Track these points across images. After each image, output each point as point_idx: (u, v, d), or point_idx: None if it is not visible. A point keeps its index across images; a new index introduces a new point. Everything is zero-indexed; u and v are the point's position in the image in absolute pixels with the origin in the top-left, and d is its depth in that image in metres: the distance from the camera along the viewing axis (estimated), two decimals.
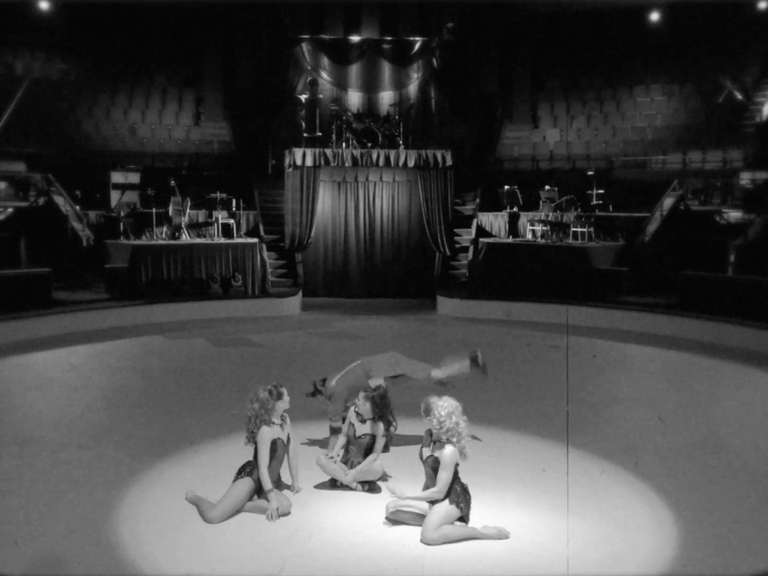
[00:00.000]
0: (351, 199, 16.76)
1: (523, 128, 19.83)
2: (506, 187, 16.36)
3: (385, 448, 6.32)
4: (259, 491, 5.55)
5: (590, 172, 16.97)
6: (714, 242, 14.27)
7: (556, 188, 16.31)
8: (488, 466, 6.38)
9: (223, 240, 15.21)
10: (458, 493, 5.26)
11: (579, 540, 5.19)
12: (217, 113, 19.32)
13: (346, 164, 15.92)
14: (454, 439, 5.24)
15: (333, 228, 16.80)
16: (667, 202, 15.41)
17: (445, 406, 5.29)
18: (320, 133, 16.79)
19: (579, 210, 15.88)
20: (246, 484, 5.52)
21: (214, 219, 15.54)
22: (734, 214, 15.48)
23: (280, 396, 5.66)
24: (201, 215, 16.00)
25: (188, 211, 15.45)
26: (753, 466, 6.73)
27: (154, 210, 15.13)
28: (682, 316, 12.76)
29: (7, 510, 5.61)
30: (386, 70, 19.70)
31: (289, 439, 5.70)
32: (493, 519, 5.45)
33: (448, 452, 5.22)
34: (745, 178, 16.25)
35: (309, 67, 19.45)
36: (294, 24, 18.88)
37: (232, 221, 15.59)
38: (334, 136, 16.34)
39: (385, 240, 16.93)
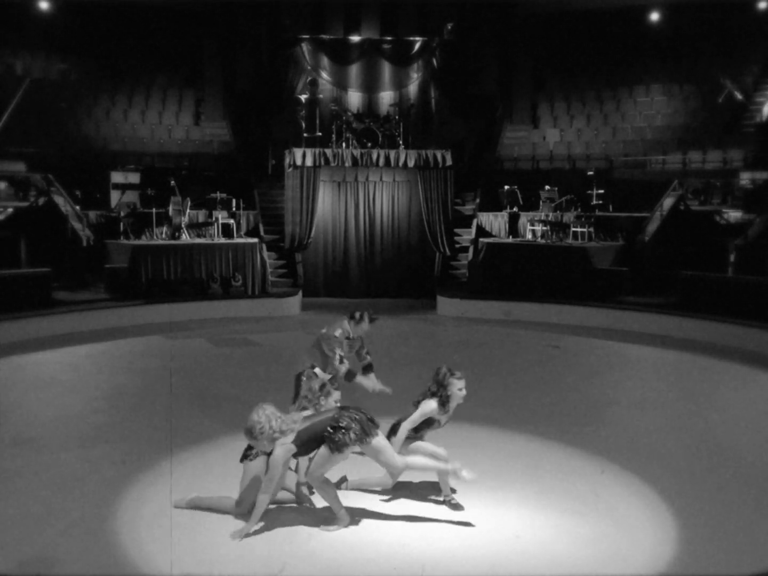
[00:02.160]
0: (351, 199, 16.76)
1: (523, 128, 19.84)
2: (506, 187, 16.36)
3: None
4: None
5: (590, 172, 16.98)
6: (714, 242, 14.27)
7: (556, 188, 16.30)
8: (488, 465, 6.38)
9: (223, 240, 15.21)
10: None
11: (579, 540, 5.20)
12: (217, 113, 19.32)
13: (346, 164, 15.92)
14: (283, 435, 5.08)
15: (333, 228, 16.80)
16: (667, 202, 15.41)
17: (258, 413, 5.08)
18: (320, 133, 16.80)
19: (579, 210, 15.88)
20: (260, 462, 5.40)
21: (214, 219, 15.55)
22: (734, 214, 15.49)
23: (329, 393, 5.65)
24: (201, 215, 16.00)
25: (188, 211, 15.46)
26: (753, 465, 6.72)
27: (154, 210, 15.14)
28: (682, 316, 12.76)
29: (7, 510, 5.61)
30: (386, 70, 19.72)
31: None
32: (493, 519, 5.47)
33: (277, 453, 5.07)
34: (745, 178, 16.26)
35: (309, 67, 19.46)
36: (294, 24, 18.91)
37: (232, 221, 15.60)
38: (334, 136, 16.34)
39: (385, 240, 16.93)
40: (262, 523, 5.22)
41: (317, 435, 5.14)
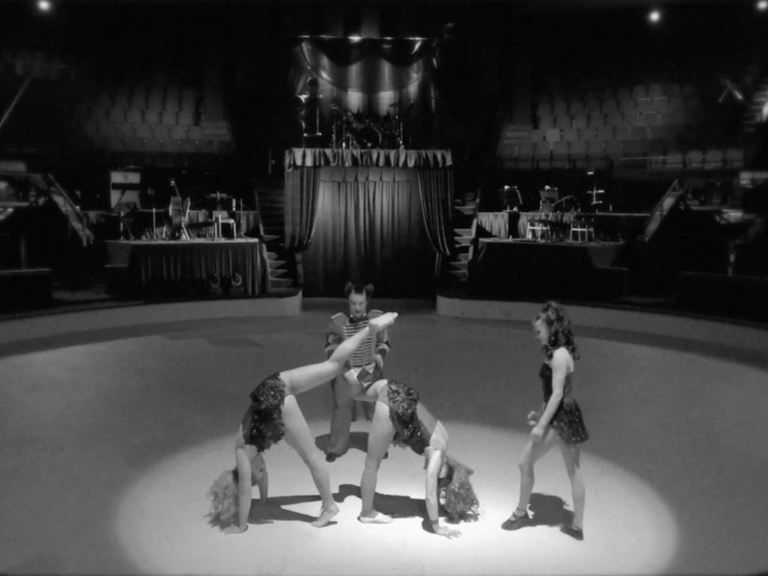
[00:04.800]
0: (351, 199, 16.76)
1: (523, 128, 19.85)
2: (506, 187, 16.37)
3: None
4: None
5: (590, 172, 16.98)
6: (714, 242, 14.27)
7: (556, 188, 16.31)
8: (487, 466, 6.38)
9: (223, 240, 15.21)
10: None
11: (579, 540, 5.20)
12: (217, 113, 19.34)
13: (346, 164, 15.91)
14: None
15: (333, 228, 16.80)
16: (667, 202, 15.41)
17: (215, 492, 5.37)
18: (320, 133, 16.81)
19: (579, 210, 15.88)
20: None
21: (214, 219, 15.55)
22: (734, 214, 15.49)
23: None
24: (201, 215, 16.00)
25: (188, 211, 15.46)
26: (753, 465, 6.73)
27: (154, 210, 15.14)
28: (682, 316, 12.76)
29: (7, 510, 5.61)
30: (386, 70, 19.74)
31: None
32: (493, 519, 5.47)
33: (239, 455, 5.26)
34: (745, 178, 16.26)
35: (309, 67, 19.48)
36: (294, 24, 18.93)
37: (232, 221, 15.60)
38: (334, 136, 16.34)
39: (385, 240, 16.93)
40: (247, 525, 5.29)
41: (252, 434, 5.30)
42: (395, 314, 5.63)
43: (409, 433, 5.29)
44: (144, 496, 5.87)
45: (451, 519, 5.42)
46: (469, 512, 5.44)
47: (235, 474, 5.31)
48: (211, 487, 5.37)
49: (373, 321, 5.61)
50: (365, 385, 5.68)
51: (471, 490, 5.41)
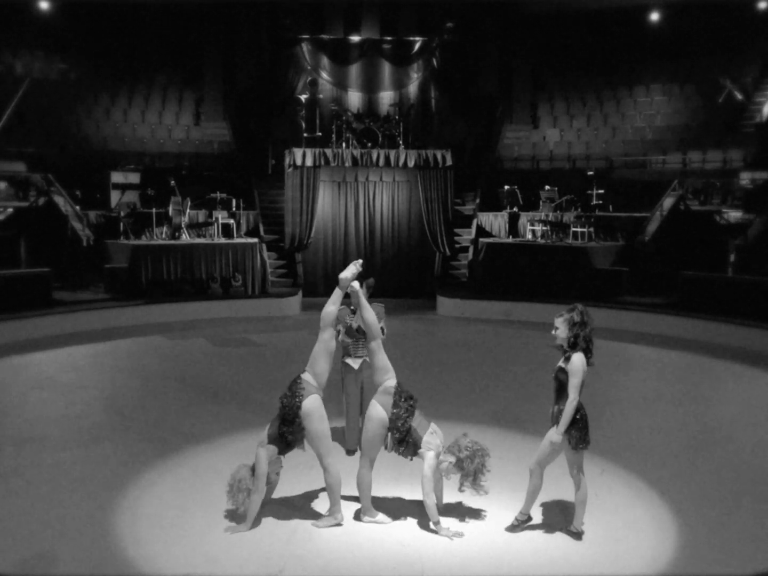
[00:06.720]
0: (351, 199, 16.77)
1: (523, 128, 19.84)
2: (506, 187, 16.37)
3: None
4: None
5: (590, 172, 16.97)
6: (714, 242, 14.27)
7: (556, 188, 16.31)
8: (489, 466, 6.37)
9: (223, 240, 15.21)
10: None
11: (579, 540, 5.20)
12: (217, 113, 19.33)
13: (346, 164, 15.92)
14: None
15: (333, 228, 16.81)
16: (667, 202, 15.41)
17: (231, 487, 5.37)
18: (320, 133, 16.81)
19: (579, 210, 15.88)
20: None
21: (214, 219, 15.55)
22: (734, 214, 15.48)
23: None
24: (201, 215, 16.00)
25: (188, 211, 15.46)
26: (753, 465, 6.73)
27: (154, 210, 15.14)
28: (682, 316, 12.77)
29: (7, 510, 5.61)
30: (386, 70, 19.74)
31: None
32: (493, 519, 5.47)
33: (260, 454, 5.29)
34: (745, 178, 16.24)
35: (309, 67, 19.49)
36: (294, 24, 18.93)
37: (232, 221, 15.60)
38: (334, 136, 16.35)
39: (385, 240, 16.94)
40: (254, 524, 5.28)
41: (276, 435, 5.33)
42: (360, 261, 5.62)
43: (403, 447, 5.31)
44: (144, 495, 5.87)
45: (478, 488, 5.29)
46: (486, 470, 5.29)
47: (252, 470, 5.32)
48: (228, 481, 5.37)
49: (342, 275, 5.52)
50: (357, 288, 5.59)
51: (478, 442, 5.34)
